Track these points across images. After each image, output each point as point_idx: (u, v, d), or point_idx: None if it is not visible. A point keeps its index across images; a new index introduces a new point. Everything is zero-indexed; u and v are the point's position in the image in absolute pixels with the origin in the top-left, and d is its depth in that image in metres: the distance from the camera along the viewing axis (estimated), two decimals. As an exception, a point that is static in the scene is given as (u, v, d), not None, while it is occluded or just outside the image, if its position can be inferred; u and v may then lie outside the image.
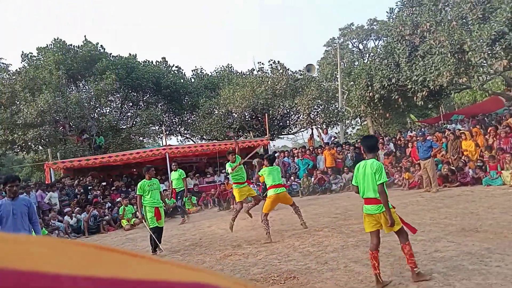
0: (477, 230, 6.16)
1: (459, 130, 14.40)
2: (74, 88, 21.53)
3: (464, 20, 14.92)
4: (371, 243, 4.46)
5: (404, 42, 16.79)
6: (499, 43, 13.09)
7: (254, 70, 23.85)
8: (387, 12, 19.87)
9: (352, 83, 24.08)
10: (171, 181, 11.77)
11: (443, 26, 15.00)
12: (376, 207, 4.32)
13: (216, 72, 27.71)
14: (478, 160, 12.14)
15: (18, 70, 19.36)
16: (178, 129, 25.91)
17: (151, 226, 7.33)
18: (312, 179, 14.59)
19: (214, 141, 20.07)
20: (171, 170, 15.28)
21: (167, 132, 22.99)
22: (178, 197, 11.49)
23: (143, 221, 7.55)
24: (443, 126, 17.30)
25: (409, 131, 18.12)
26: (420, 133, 13.47)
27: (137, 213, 9.34)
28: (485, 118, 15.94)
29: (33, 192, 12.54)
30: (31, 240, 0.29)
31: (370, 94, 18.97)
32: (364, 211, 4.47)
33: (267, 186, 7.71)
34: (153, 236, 7.22)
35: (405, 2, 18.37)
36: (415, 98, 17.34)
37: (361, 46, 34.02)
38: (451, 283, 4.08)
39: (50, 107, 16.43)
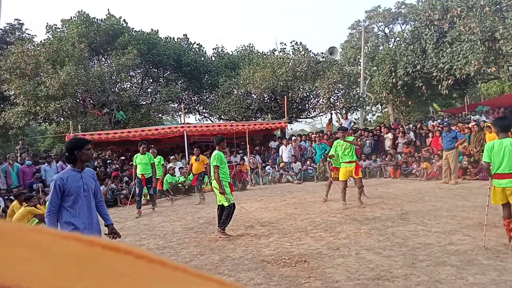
0: (495, 225, 6.02)
1: (484, 121, 13.96)
2: (96, 61, 21.74)
3: (497, 6, 14.25)
4: (504, 212, 5.01)
5: (432, 27, 16.22)
6: (534, 32, 12.51)
7: (275, 50, 23.55)
8: (416, -5, 19.15)
9: (375, 68, 23.54)
10: (135, 166, 9.94)
11: (475, 12, 14.39)
12: None
13: (237, 52, 27.49)
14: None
15: (43, 41, 19.62)
16: (196, 107, 26.00)
17: (229, 203, 6.55)
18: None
19: (232, 121, 20.09)
20: (188, 148, 15.49)
21: (186, 110, 23.10)
22: (149, 185, 9.99)
23: (225, 195, 6.54)
24: (466, 117, 16.82)
25: (430, 121, 17.69)
26: (444, 123, 13.14)
27: (210, 187, 7.23)
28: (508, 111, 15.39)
29: (53, 163, 12.88)
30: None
31: (393, 80, 18.53)
32: (497, 185, 4.92)
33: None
34: (226, 212, 6.57)
35: (436, -14, 17.62)
36: (439, 86, 16.87)
37: (387, 30, 33.06)
38: (464, 277, 4.02)
39: (72, 80, 16.66)
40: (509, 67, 14.19)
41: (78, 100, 18.35)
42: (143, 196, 10.29)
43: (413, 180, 12.66)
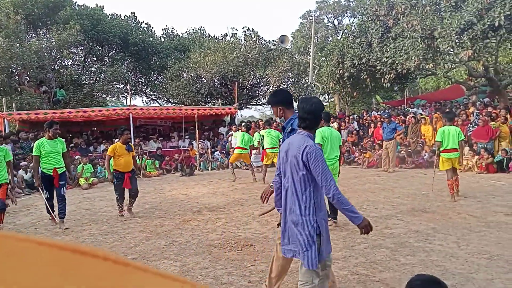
0: (425, 210, 6.54)
1: (420, 114, 14.94)
2: (34, 35, 20.17)
3: (437, 6, 15.15)
4: (447, 175, 7.22)
5: (378, 22, 16.88)
6: (467, 33, 13.47)
7: (227, 35, 23.31)
8: (364, -10, 19.79)
9: (323, 58, 24.13)
10: (37, 157, 6.56)
11: (417, 10, 15.18)
12: (456, 154, 7.16)
13: (187, 34, 26.85)
14: (434, 144, 12.74)
15: (-29, 9, 17.77)
16: (143, 89, 25.16)
17: None
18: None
19: (181, 105, 19.70)
20: (133, 131, 14.99)
21: (132, 92, 22.26)
22: (61, 182, 6.61)
23: None
24: (405, 110, 17.88)
25: (373, 112, 18.59)
26: (386, 115, 13.91)
27: None
28: (441, 105, 16.62)
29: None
30: None
31: (340, 71, 19.12)
32: (446, 156, 7.14)
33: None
34: None
35: (383, -18, 18.30)
36: (382, 79, 17.66)
37: (336, 22, 33.94)
38: (397, 258, 4.35)
39: (5, 53, 15.36)
40: (445, 64, 15.22)
41: (12, 76, 16.97)
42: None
43: (354, 167, 13.30)
